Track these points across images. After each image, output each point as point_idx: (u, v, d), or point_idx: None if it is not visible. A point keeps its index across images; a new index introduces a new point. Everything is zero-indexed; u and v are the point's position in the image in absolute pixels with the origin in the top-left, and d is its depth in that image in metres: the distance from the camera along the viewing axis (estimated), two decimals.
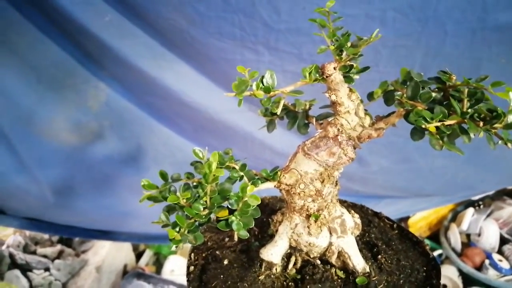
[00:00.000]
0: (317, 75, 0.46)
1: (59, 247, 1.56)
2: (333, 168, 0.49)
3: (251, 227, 0.46)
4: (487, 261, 1.53)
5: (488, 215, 1.67)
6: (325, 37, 0.47)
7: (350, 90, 0.48)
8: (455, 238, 1.66)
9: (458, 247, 1.63)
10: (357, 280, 0.53)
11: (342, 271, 0.54)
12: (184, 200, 0.47)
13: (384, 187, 1.30)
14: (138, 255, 1.85)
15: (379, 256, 0.57)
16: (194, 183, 0.52)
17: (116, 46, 0.93)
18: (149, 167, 1.18)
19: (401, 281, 0.54)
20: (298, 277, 0.54)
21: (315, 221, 0.51)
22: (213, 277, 0.55)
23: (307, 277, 0.53)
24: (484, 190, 1.51)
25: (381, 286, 0.52)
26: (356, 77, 0.49)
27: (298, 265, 0.56)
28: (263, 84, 0.47)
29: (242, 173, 0.50)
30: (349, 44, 0.48)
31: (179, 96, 1.05)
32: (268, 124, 0.57)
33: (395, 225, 0.64)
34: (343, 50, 0.47)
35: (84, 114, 1.09)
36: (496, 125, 0.41)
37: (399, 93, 0.47)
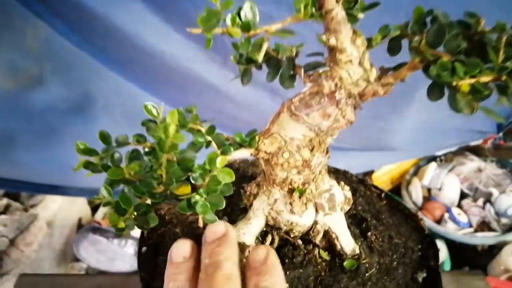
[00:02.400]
0: (314, 10, 0.34)
1: (5, 201, 1.41)
2: (326, 134, 0.39)
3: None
4: (446, 215, 1.56)
5: (450, 170, 1.68)
6: None
7: (354, 32, 0.37)
8: (416, 192, 1.67)
9: (419, 201, 1.65)
10: (345, 263, 0.45)
11: (326, 252, 0.46)
12: (131, 174, 0.35)
13: (350, 141, 1.24)
14: (94, 208, 1.73)
15: (369, 233, 0.49)
16: (146, 149, 0.40)
17: None
18: (98, 117, 1.04)
19: (395, 263, 0.47)
20: None
21: (300, 197, 0.42)
22: None
23: (286, 260, 0.45)
24: (456, 144, 1.49)
25: (373, 270, 0.45)
26: (360, 15, 0.38)
27: (275, 245, 0.46)
28: (240, 19, 0.35)
29: (209, 138, 0.39)
30: None
31: (132, 39, 0.90)
32: (243, 75, 0.45)
33: (383, 194, 0.56)
34: None
35: (21, 56, 0.92)
36: None
37: (416, 38, 0.36)
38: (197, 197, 0.35)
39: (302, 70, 0.42)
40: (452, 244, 1.50)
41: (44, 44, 0.94)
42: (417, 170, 1.75)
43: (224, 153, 0.39)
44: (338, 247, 0.45)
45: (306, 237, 0.46)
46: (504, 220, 1.51)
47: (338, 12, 0.35)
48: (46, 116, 1.00)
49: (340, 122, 0.38)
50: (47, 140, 1.05)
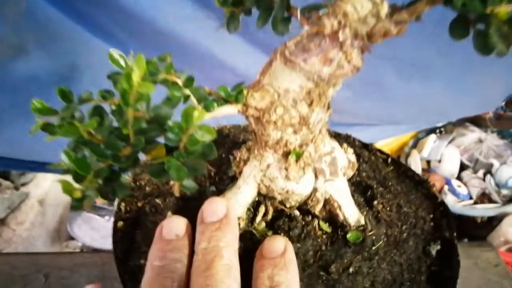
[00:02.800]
0: None
1: None
2: (328, 83, 0.32)
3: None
4: (446, 187, 1.52)
5: (450, 142, 1.63)
6: None
7: None
8: (415, 164, 1.62)
9: (419, 173, 1.60)
10: (348, 236, 0.39)
11: (327, 224, 0.41)
12: (92, 134, 0.29)
13: (352, 115, 1.18)
14: None
15: (375, 202, 0.43)
16: (113, 107, 0.33)
17: None
18: (89, 88, 0.97)
19: (404, 234, 0.41)
20: (269, 233, 0.40)
21: (296, 161, 0.36)
22: (150, 237, 0.39)
23: (282, 234, 0.39)
24: (457, 116, 1.44)
25: (380, 243, 0.40)
26: None
27: (269, 216, 0.41)
28: None
29: (187, 91, 0.32)
30: None
31: (120, 3, 0.82)
32: (229, 20, 0.38)
33: (389, 160, 0.51)
34: None
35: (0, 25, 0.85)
36: None
37: None
38: (172, 160, 0.29)
39: (299, 11, 0.35)
40: None
41: (27, 12, 0.86)
42: (416, 142, 1.70)
43: (206, 109, 0.32)
44: (341, 217, 0.39)
45: (304, 207, 0.40)
46: (504, 191, 1.47)
47: None
48: (31, 89, 0.93)
49: (344, 68, 0.31)
50: (33, 115, 0.98)
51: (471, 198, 1.50)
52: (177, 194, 0.31)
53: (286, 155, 0.36)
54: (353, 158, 0.40)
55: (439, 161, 1.59)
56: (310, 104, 0.33)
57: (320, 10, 0.36)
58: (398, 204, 0.44)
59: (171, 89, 0.32)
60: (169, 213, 0.40)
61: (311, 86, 0.32)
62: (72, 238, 1.45)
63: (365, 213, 0.42)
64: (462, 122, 1.67)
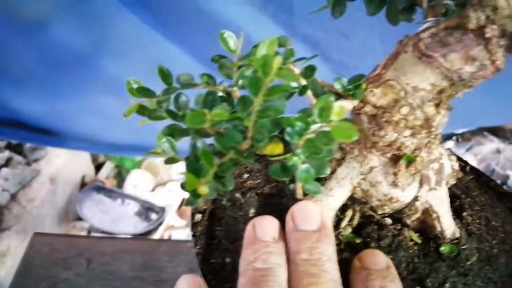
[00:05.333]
0: None
1: (7, 153, 1.31)
2: (465, 84, 0.29)
3: None
4: None
5: (467, 150, 1.62)
6: None
7: None
8: None
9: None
10: (442, 248, 0.37)
11: (417, 234, 0.38)
12: (212, 125, 0.25)
13: None
14: (98, 167, 1.64)
15: (465, 214, 0.41)
16: (220, 93, 0.30)
17: None
18: (116, 61, 0.94)
19: (495, 250, 0.39)
20: (357, 241, 0.37)
21: (407, 166, 0.33)
22: (232, 234, 0.36)
23: (371, 242, 0.36)
24: (481, 124, 1.42)
25: (474, 258, 0.37)
26: None
27: (355, 222, 0.38)
28: None
29: (305, 82, 0.29)
30: None
31: None
32: (334, 3, 0.35)
33: (468, 168, 0.48)
34: None
35: None
36: None
37: None
38: (295, 159, 0.26)
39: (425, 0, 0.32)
40: None
41: None
42: None
43: (323, 102, 0.29)
44: (438, 229, 0.37)
45: (395, 215, 0.38)
46: None
47: None
48: (56, 55, 0.89)
49: (486, 70, 0.28)
50: (56, 83, 0.94)
51: None
52: (299, 196, 0.28)
53: (394, 159, 0.33)
54: (456, 166, 0.37)
55: None
56: (437, 105, 0.30)
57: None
58: (486, 217, 0.41)
59: (287, 78, 0.29)
60: (252, 211, 0.37)
61: (446, 85, 0.29)
62: (80, 219, 1.41)
63: (457, 225, 0.39)
64: (480, 131, 1.66)
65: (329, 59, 0.93)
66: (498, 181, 1.52)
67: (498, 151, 1.59)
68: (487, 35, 0.28)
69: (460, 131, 1.63)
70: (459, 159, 0.48)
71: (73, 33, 0.91)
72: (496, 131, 1.63)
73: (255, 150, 0.27)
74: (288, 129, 0.27)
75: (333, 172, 0.37)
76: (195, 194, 0.24)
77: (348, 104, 0.31)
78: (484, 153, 1.60)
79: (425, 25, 0.31)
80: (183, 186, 0.25)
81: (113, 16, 0.90)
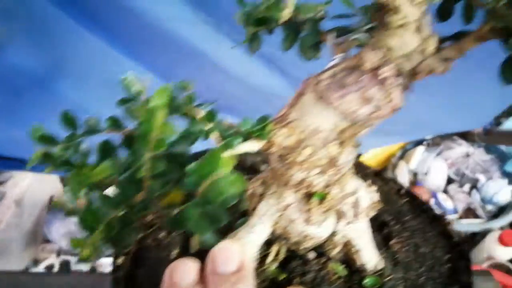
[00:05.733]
0: None
1: None
2: (364, 125, 0.29)
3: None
4: (432, 201, 1.52)
5: (437, 155, 1.64)
6: None
7: None
8: (402, 176, 1.62)
9: (405, 185, 1.60)
10: (365, 281, 0.37)
11: (343, 266, 0.38)
12: (102, 178, 0.25)
13: None
14: None
15: (392, 241, 0.41)
16: (124, 137, 0.29)
17: None
18: (74, 84, 0.92)
19: (422, 278, 0.39)
20: (282, 277, 0.36)
21: (320, 203, 0.33)
22: (154, 277, 0.36)
23: (295, 278, 0.36)
24: (447, 131, 1.44)
25: None
26: None
27: (281, 256, 0.38)
28: None
29: (210, 126, 0.29)
30: None
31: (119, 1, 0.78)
32: (251, 40, 0.34)
33: (402, 190, 0.48)
34: None
35: None
36: None
37: None
38: (191, 209, 0.25)
39: (332, 36, 0.32)
40: None
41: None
42: (404, 153, 1.70)
43: (228, 147, 0.29)
44: (359, 262, 0.36)
45: (319, 249, 0.37)
46: (489, 207, 1.49)
47: None
48: (13, 80, 0.87)
49: (384, 109, 0.28)
50: (13, 109, 0.92)
51: (456, 212, 1.51)
52: (194, 248, 0.27)
53: (308, 195, 0.33)
54: (375, 197, 0.37)
55: (426, 174, 1.60)
56: (341, 144, 0.30)
57: (351, 35, 0.33)
58: (415, 243, 0.42)
59: (192, 123, 0.29)
60: (175, 252, 0.37)
61: (345, 125, 0.29)
62: (48, 241, 1.38)
63: (382, 254, 0.39)
64: (449, 135, 1.68)
65: (288, 75, 0.94)
66: (469, 184, 1.55)
67: (467, 155, 1.62)
68: (383, 75, 0.28)
69: (429, 136, 1.66)
70: (394, 181, 0.48)
71: (30, 58, 0.89)
72: (465, 135, 1.66)
73: (155, 201, 0.27)
74: (187, 179, 0.26)
75: (254, 208, 0.36)
76: (81, 256, 0.24)
77: (255, 145, 0.30)
78: (454, 157, 1.62)
79: (330, 63, 0.31)
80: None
81: (71, 37, 0.88)
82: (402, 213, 0.45)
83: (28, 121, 0.91)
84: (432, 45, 0.27)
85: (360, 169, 0.50)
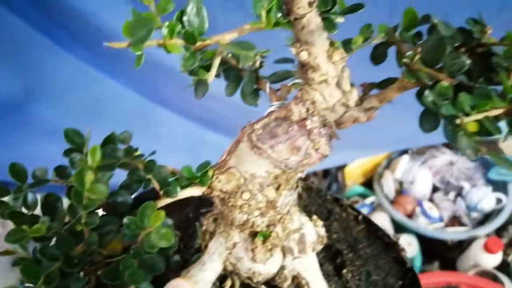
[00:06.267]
0: (280, 16, 0.26)
1: None
2: (295, 171, 0.31)
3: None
4: (418, 209, 1.54)
5: (422, 163, 1.66)
6: None
7: (332, 44, 0.29)
8: (388, 185, 1.64)
9: (391, 194, 1.62)
10: None
11: None
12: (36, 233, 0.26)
13: None
14: None
15: (344, 271, 0.42)
16: (67, 188, 0.31)
17: None
18: (54, 103, 0.93)
19: None
20: None
21: (263, 242, 0.34)
22: None
23: None
24: (430, 143, 1.47)
25: None
26: (340, 20, 0.30)
27: None
28: (183, 26, 0.26)
29: (149, 176, 0.30)
30: None
31: (91, 22, 0.80)
32: (196, 86, 0.36)
33: (360, 217, 0.50)
34: None
35: None
36: None
37: (408, 53, 0.29)
38: (128, 260, 0.27)
39: (268, 84, 0.34)
40: (423, 239, 1.49)
41: None
42: (389, 163, 1.71)
43: (168, 195, 0.30)
44: None
45: (272, 281, 0.39)
46: (474, 214, 1.51)
47: (311, 19, 0.27)
48: None
49: (312, 157, 0.30)
50: None
51: (442, 220, 1.52)
52: None
53: (253, 234, 0.35)
54: (322, 231, 0.38)
55: (412, 183, 1.62)
56: (278, 188, 0.32)
57: (290, 80, 0.35)
58: (367, 271, 0.43)
59: (131, 175, 0.31)
60: None
61: (278, 172, 0.31)
62: None
63: (333, 285, 0.41)
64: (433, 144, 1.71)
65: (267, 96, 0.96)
66: (453, 192, 1.56)
67: (451, 163, 1.64)
68: (309, 127, 0.30)
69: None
70: (352, 207, 0.50)
71: (6, 80, 0.90)
72: (448, 144, 1.68)
73: (97, 251, 0.28)
74: (126, 231, 0.28)
75: (206, 246, 0.38)
76: None
77: (197, 191, 0.32)
78: (438, 166, 1.64)
79: (267, 110, 0.33)
80: None
81: (48, 58, 0.89)
82: (358, 240, 0.46)
83: (6, 144, 0.91)
84: (353, 98, 0.29)
85: (319, 197, 0.52)
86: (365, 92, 0.31)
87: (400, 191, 1.65)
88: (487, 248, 1.37)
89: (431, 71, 0.27)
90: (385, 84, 0.31)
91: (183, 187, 0.31)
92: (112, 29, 0.80)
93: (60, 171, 0.32)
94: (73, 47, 0.89)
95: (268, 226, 0.34)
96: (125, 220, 0.27)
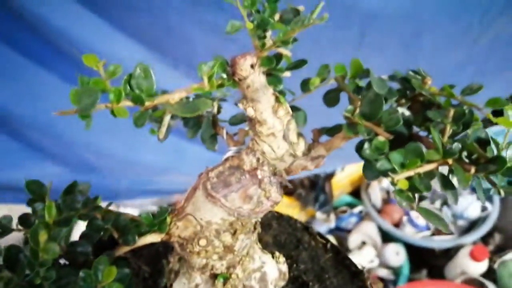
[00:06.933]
0: (224, 77, 0.28)
1: None
2: (249, 218, 0.32)
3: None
4: (405, 218, 1.56)
5: None
6: (239, 6, 0.28)
7: (277, 99, 0.30)
8: (375, 194, 1.65)
9: (378, 203, 1.64)
10: None
11: None
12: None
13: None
14: None
15: None
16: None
17: None
18: (31, 122, 0.94)
19: None
20: None
21: (224, 284, 0.36)
22: None
23: None
24: None
25: None
26: (286, 75, 0.32)
27: None
28: (131, 89, 0.27)
29: (107, 226, 0.32)
30: (276, 17, 0.29)
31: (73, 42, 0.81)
32: (162, 126, 0.38)
33: (328, 245, 0.51)
34: (267, 30, 0.29)
35: None
36: (491, 171, 0.27)
37: (349, 107, 0.30)
38: None
39: (225, 130, 0.35)
40: (410, 247, 1.51)
41: None
42: None
43: (127, 243, 0.32)
44: None
45: None
46: (460, 223, 1.52)
47: (255, 79, 0.28)
48: None
49: (263, 205, 0.31)
50: None
51: (428, 229, 1.54)
52: None
53: (214, 276, 0.36)
54: (284, 267, 0.40)
55: None
56: (234, 233, 0.33)
57: (246, 125, 0.36)
58: None
59: (90, 224, 0.32)
60: None
61: (233, 219, 0.32)
62: None
63: None
64: None
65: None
66: (439, 201, 1.58)
67: None
68: (259, 177, 0.31)
69: None
70: (321, 235, 0.51)
71: None
72: None
73: None
74: (81, 283, 0.29)
75: (171, 286, 0.39)
76: None
77: (156, 237, 0.33)
78: None
79: (224, 156, 0.34)
80: None
81: (24, 74, 0.90)
82: (325, 270, 0.48)
83: None
84: (300, 148, 0.31)
85: (290, 225, 0.53)
86: (315, 139, 0.32)
87: (388, 200, 1.67)
88: (473, 256, 1.39)
89: (369, 125, 0.28)
90: (333, 131, 0.33)
91: (142, 234, 0.32)
92: (92, 48, 0.82)
93: (24, 220, 0.33)
94: (60, 66, 0.90)
95: (228, 268, 0.35)
96: (81, 273, 0.28)
